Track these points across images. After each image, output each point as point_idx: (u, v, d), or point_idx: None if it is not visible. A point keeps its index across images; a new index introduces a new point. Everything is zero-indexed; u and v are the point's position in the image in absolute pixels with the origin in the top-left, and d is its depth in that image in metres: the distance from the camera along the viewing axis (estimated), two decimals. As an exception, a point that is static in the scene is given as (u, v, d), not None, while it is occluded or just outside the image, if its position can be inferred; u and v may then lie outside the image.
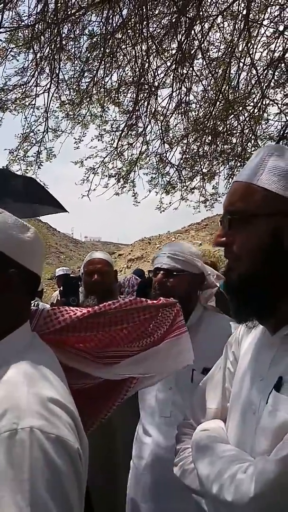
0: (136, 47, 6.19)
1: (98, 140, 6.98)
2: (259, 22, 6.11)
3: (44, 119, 6.49)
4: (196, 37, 6.15)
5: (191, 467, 1.25)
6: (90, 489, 2.05)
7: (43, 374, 1.00)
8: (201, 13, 5.72)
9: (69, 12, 5.68)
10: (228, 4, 5.84)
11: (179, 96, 6.62)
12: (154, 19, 6.13)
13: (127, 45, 6.24)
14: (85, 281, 3.00)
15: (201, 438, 1.22)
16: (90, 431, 1.30)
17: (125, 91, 6.80)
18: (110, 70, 6.38)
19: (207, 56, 6.40)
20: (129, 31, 5.99)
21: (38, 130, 6.58)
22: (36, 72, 6.12)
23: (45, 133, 6.54)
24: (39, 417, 0.88)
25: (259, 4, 6.06)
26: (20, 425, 0.85)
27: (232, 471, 1.01)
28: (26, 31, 5.86)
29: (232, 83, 6.55)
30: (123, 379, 1.38)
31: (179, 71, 6.37)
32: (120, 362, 1.34)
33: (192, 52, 6.26)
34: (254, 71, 6.31)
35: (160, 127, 6.97)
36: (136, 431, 2.23)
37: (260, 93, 6.40)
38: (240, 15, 5.94)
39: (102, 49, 6.02)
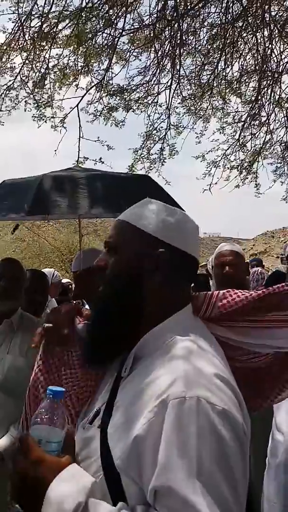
0: (257, 34, 6.01)
1: (220, 133, 6.90)
2: None
3: (166, 116, 6.58)
4: None
5: None
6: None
7: (206, 352, 1.04)
8: None
9: (189, 7, 5.67)
10: None
11: (305, 80, 6.30)
12: (276, 1, 5.88)
13: (248, 33, 6.08)
14: (216, 274, 2.97)
15: None
16: (256, 413, 1.24)
17: (246, 80, 6.64)
18: (231, 60, 6.25)
19: None
20: (249, 18, 5.82)
21: (161, 127, 6.68)
22: (158, 70, 6.22)
23: (167, 130, 6.62)
24: (205, 389, 0.92)
25: None
26: (188, 394, 0.91)
27: None
28: (147, 30, 5.97)
29: None
30: None
31: (305, 54, 6.05)
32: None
33: None
34: None
35: (284, 115, 6.69)
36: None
37: None
38: None
39: (222, 39, 5.93)
